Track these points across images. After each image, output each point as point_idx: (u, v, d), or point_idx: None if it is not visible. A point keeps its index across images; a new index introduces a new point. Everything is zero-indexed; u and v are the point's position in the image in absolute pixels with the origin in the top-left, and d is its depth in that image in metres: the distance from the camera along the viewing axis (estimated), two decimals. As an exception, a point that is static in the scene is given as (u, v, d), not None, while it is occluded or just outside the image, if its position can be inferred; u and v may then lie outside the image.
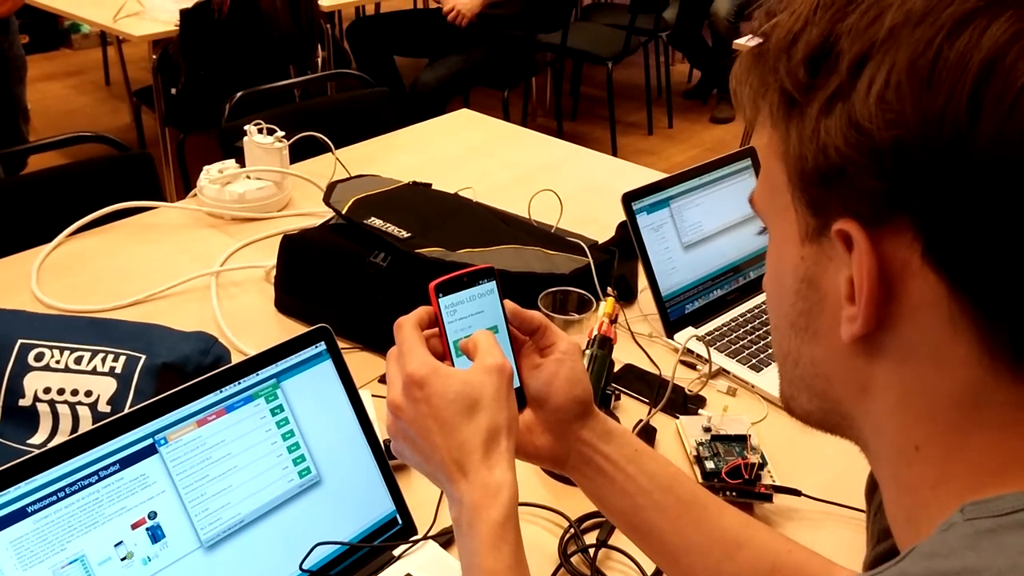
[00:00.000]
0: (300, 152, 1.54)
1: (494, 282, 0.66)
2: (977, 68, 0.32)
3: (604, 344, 0.88)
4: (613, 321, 0.89)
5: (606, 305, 0.89)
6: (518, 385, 0.65)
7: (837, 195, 0.37)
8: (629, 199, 1.13)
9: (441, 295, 0.64)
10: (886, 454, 0.41)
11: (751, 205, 0.46)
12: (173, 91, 2.65)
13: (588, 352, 0.91)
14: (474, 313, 0.65)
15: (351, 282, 1.10)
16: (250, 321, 1.16)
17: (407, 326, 0.62)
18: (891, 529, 0.43)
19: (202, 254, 1.31)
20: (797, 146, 0.38)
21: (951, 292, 0.35)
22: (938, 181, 0.34)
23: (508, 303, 0.67)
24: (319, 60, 2.83)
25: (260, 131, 1.45)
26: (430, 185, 1.34)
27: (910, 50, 0.34)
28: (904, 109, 0.34)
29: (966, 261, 0.34)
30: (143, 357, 0.86)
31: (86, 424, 0.84)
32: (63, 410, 0.84)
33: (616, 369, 1.02)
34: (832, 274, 0.39)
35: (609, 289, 1.06)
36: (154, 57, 2.67)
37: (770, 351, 1.11)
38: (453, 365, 0.63)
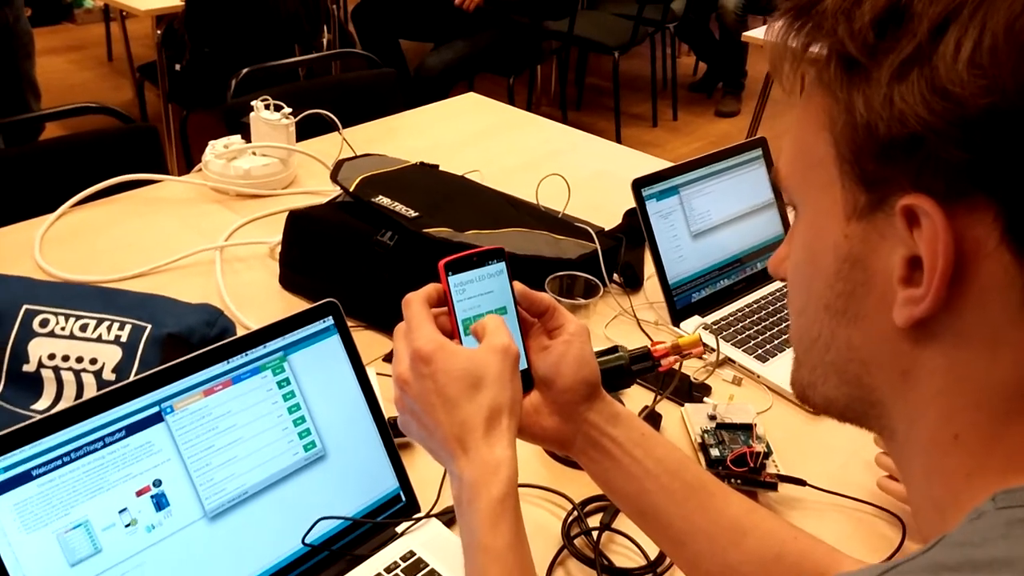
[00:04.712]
0: (305, 131, 1.53)
1: (504, 263, 0.65)
2: None
3: (641, 357, 0.78)
4: (683, 355, 0.78)
5: (685, 337, 0.78)
6: (525, 367, 0.65)
7: (904, 168, 0.35)
8: (639, 185, 1.12)
9: (451, 273, 0.64)
10: (919, 443, 0.40)
11: (777, 179, 0.44)
12: (177, 67, 2.63)
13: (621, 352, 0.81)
14: (483, 293, 0.65)
15: (357, 260, 1.09)
16: (254, 297, 1.15)
17: (416, 302, 0.62)
18: (915, 519, 0.43)
19: (206, 229, 1.30)
20: (864, 114, 0.35)
21: None
22: None
23: (517, 284, 0.66)
24: (324, 41, 2.81)
25: (267, 107, 1.44)
26: (438, 166, 1.33)
27: (1006, 13, 0.32)
28: (1001, 74, 0.32)
29: None
30: (148, 327, 0.85)
31: (90, 392, 0.84)
32: (67, 377, 0.83)
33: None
34: (884, 254, 0.37)
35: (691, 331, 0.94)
36: (158, 32, 2.66)
37: (776, 342, 1.11)
38: (461, 344, 0.63)
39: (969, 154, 0.33)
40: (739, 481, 0.85)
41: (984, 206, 0.34)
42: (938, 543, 0.34)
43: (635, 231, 1.17)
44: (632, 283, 1.21)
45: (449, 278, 0.64)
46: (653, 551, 0.78)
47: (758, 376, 1.05)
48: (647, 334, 1.12)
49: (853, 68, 0.36)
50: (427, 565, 0.75)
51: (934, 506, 0.40)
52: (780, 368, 1.06)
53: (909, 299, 0.36)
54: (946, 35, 0.33)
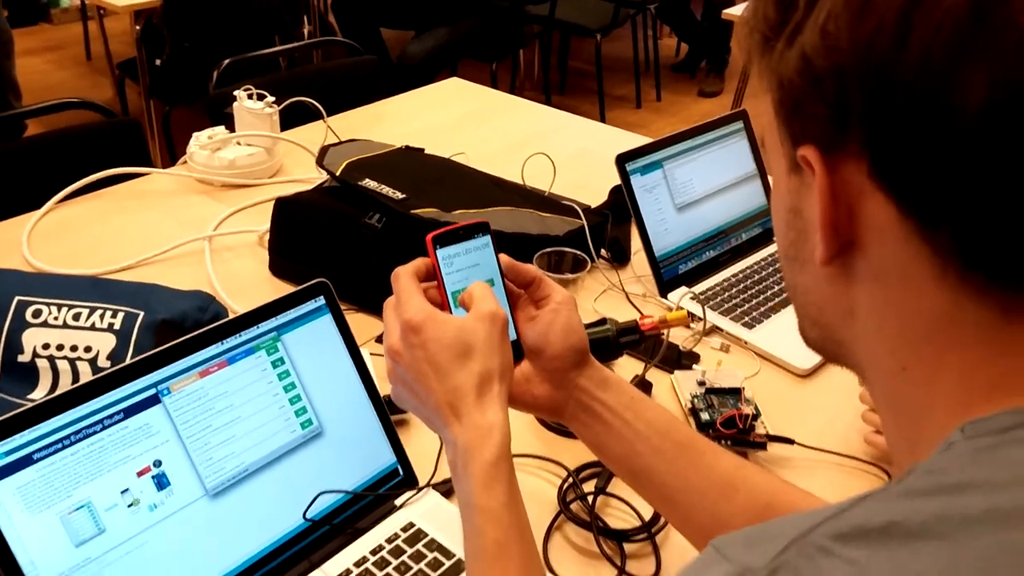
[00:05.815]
0: (289, 120, 1.53)
1: (489, 236, 0.67)
2: None
3: (629, 330, 0.80)
4: (669, 327, 0.80)
5: (672, 313, 0.81)
6: (515, 337, 0.66)
7: (800, 124, 0.40)
8: (623, 160, 1.13)
9: (438, 247, 0.65)
10: (879, 378, 0.42)
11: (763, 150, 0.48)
12: (158, 62, 2.62)
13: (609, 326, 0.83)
14: (470, 265, 0.66)
15: (346, 243, 1.10)
16: (245, 284, 1.16)
17: (404, 275, 0.63)
18: (893, 457, 0.45)
19: (193, 220, 1.30)
20: (768, 80, 0.41)
21: (900, 211, 0.37)
22: (874, 104, 0.36)
23: (503, 257, 0.68)
24: (305, 32, 2.80)
25: (250, 96, 1.44)
26: (423, 150, 1.34)
27: None
28: (841, 36, 0.36)
29: (906, 178, 0.36)
30: (141, 314, 0.86)
31: (86, 379, 0.84)
32: (63, 366, 0.84)
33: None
34: (810, 202, 0.41)
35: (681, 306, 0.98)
36: (137, 27, 2.64)
37: (763, 309, 1.12)
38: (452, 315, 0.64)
39: (827, 109, 0.37)
40: (729, 442, 0.87)
41: (857, 152, 0.37)
42: (911, 472, 0.36)
43: (621, 208, 1.18)
44: (619, 258, 1.23)
45: (437, 251, 0.65)
46: (647, 513, 0.80)
47: (745, 342, 1.07)
48: (635, 306, 1.13)
49: (766, 43, 0.40)
50: (427, 535, 0.77)
51: (906, 444, 0.42)
52: (766, 334, 1.07)
53: (818, 241, 0.41)
54: (816, 6, 0.37)
